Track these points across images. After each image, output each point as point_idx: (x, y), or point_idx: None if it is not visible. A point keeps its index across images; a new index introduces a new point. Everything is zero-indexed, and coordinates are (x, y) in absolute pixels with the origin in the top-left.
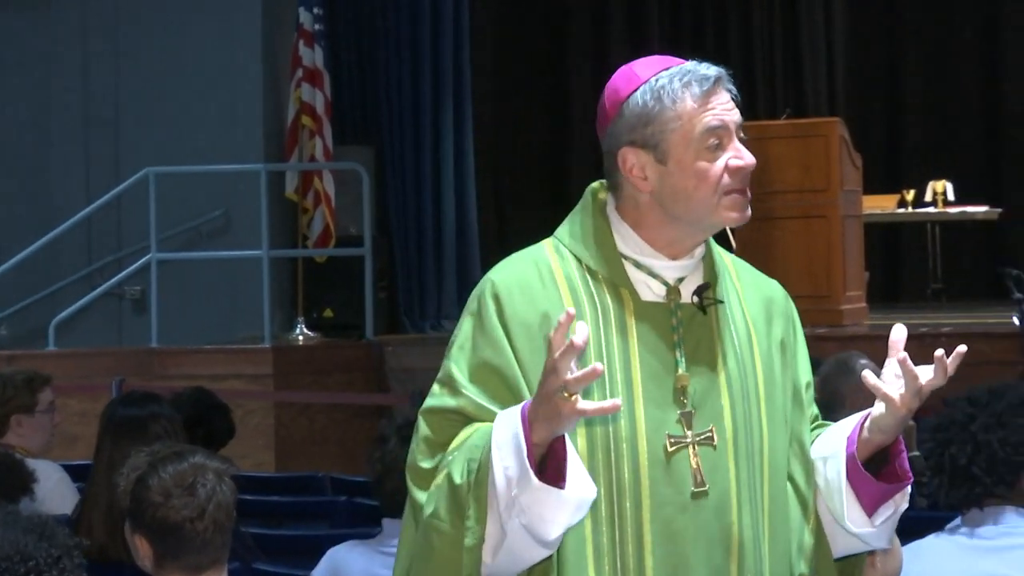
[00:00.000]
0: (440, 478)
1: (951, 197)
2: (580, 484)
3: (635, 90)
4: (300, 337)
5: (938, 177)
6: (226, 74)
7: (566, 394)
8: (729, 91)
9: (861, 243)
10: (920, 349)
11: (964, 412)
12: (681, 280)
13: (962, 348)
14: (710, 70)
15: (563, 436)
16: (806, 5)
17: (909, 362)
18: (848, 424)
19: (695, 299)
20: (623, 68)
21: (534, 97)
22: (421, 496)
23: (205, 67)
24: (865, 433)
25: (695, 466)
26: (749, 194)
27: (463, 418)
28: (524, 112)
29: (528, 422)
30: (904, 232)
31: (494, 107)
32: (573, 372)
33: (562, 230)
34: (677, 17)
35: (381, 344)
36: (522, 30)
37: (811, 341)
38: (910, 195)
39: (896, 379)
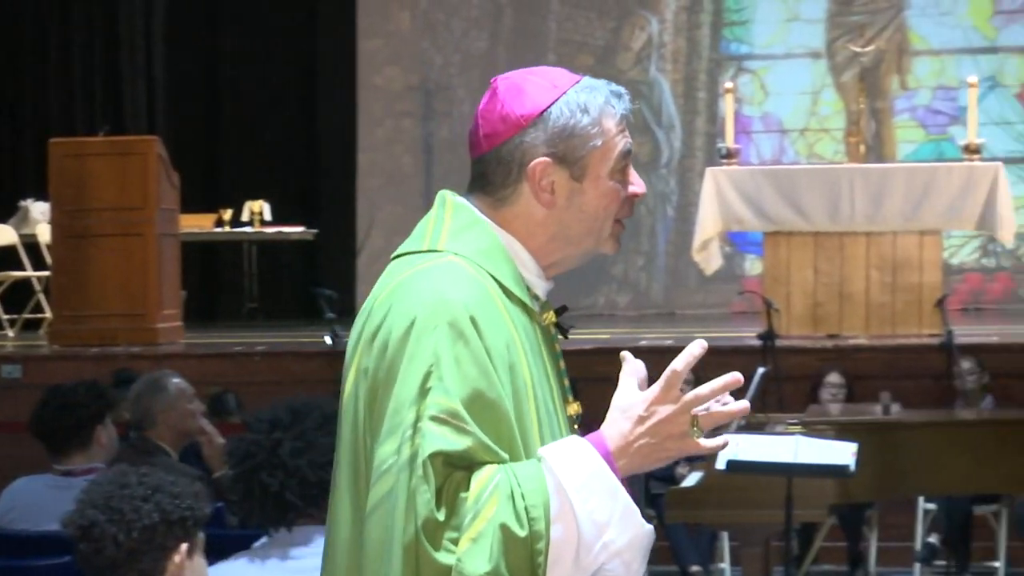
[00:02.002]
0: (479, 532)
1: (268, 217)
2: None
3: (556, 100)
4: None
5: (256, 198)
6: None
7: (696, 429)
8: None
9: (178, 262)
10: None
11: (270, 436)
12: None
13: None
14: (619, 88)
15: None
16: (126, 23)
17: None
18: None
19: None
20: (518, 75)
21: None
22: (444, 556)
23: None
24: None
25: None
26: None
27: (465, 461)
28: None
29: (612, 459)
30: (222, 251)
31: None
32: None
33: (462, 245)
34: None
35: None
36: None
37: (125, 359)
38: (227, 215)
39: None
